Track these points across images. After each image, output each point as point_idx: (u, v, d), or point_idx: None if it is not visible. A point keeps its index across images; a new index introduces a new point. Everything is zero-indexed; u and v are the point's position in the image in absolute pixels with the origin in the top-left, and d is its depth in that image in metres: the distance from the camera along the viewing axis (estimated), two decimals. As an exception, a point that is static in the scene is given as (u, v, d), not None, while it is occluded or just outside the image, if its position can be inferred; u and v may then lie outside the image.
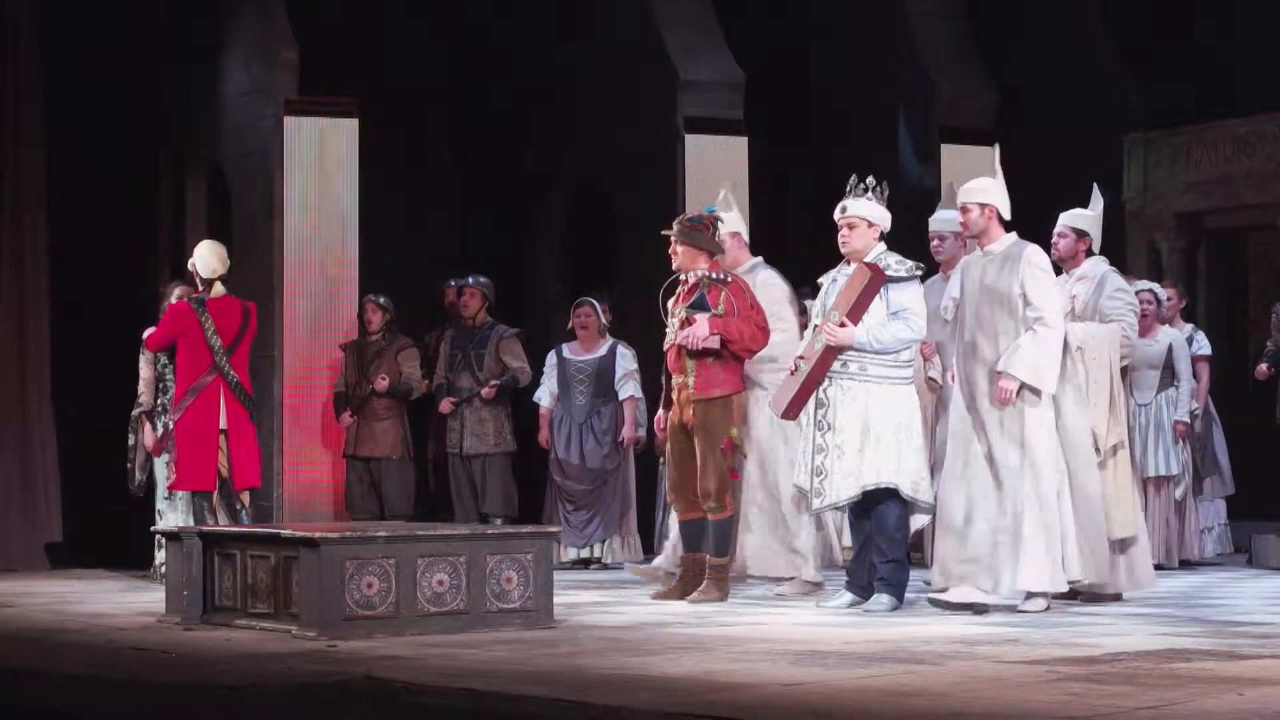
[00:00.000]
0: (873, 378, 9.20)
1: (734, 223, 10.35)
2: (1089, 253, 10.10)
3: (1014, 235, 9.29)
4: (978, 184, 9.37)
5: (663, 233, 9.98)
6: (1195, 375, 12.73)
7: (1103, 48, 15.77)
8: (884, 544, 9.19)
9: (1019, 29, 15.97)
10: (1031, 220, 9.85)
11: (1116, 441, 9.60)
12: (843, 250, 9.41)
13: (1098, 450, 9.40)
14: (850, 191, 9.44)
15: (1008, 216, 9.33)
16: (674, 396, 9.97)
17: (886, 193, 9.50)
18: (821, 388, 9.26)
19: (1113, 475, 9.52)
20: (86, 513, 13.08)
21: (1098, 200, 10.13)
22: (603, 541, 12.90)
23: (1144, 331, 12.60)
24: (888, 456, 9.15)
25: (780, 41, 15.52)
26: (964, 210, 9.33)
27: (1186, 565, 12.53)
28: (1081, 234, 10.10)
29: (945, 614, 8.85)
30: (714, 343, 9.70)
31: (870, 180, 9.45)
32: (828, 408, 9.22)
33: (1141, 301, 12.59)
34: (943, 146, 14.58)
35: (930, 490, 9.36)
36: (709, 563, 9.82)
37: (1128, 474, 9.70)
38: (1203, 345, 12.90)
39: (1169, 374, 12.56)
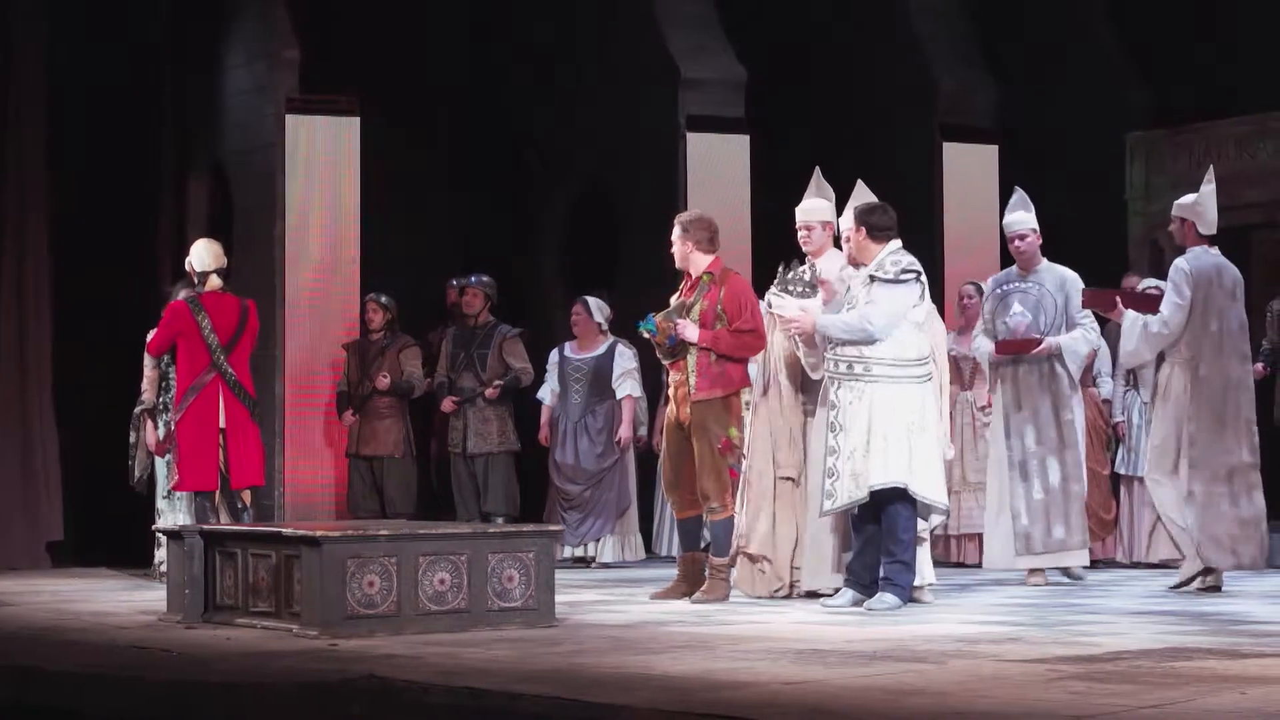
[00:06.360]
0: (879, 378, 9.15)
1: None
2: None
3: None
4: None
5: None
6: None
7: (1105, 46, 15.75)
8: (891, 545, 9.11)
9: (1020, 27, 15.96)
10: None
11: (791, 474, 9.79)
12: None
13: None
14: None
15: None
16: (671, 394, 9.95)
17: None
18: (832, 389, 9.25)
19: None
20: (88, 511, 13.09)
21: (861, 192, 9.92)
22: (598, 540, 12.87)
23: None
24: (897, 456, 9.07)
25: (782, 40, 15.51)
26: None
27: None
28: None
29: (948, 610, 8.89)
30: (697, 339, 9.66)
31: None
32: (838, 409, 9.19)
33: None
34: (944, 145, 14.58)
35: (944, 489, 9.34)
36: (711, 563, 9.76)
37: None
38: None
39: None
